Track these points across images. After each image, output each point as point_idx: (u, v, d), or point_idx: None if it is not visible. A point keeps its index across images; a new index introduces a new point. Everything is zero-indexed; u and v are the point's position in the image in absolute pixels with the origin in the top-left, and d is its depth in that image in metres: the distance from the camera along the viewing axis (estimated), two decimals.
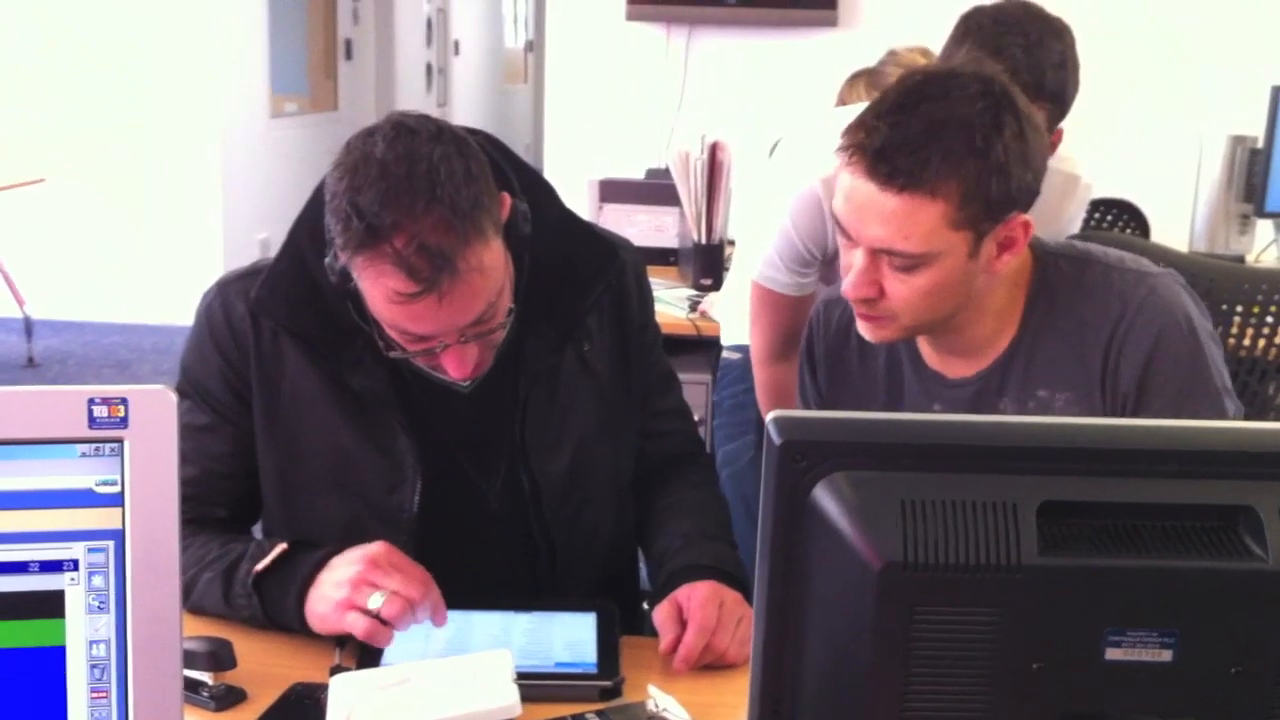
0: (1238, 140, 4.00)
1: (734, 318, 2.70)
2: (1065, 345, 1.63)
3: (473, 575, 1.63)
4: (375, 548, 1.52)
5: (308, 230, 1.62)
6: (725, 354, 2.81)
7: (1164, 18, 5.14)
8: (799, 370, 1.88)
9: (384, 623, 1.47)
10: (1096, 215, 4.01)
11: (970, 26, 2.11)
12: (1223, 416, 1.60)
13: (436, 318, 1.49)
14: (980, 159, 1.48)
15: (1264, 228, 4.11)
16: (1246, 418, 2.50)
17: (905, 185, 1.48)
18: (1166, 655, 0.88)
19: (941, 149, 1.47)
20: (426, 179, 1.44)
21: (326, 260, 1.52)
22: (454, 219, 1.44)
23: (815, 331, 1.82)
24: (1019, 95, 1.53)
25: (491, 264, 1.51)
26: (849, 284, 1.57)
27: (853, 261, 1.56)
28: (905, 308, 1.56)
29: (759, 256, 2.30)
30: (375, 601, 1.47)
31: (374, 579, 1.48)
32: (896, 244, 1.51)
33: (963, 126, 1.48)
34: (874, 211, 1.51)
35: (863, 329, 1.64)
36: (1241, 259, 3.91)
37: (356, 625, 1.47)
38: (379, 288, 1.48)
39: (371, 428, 1.65)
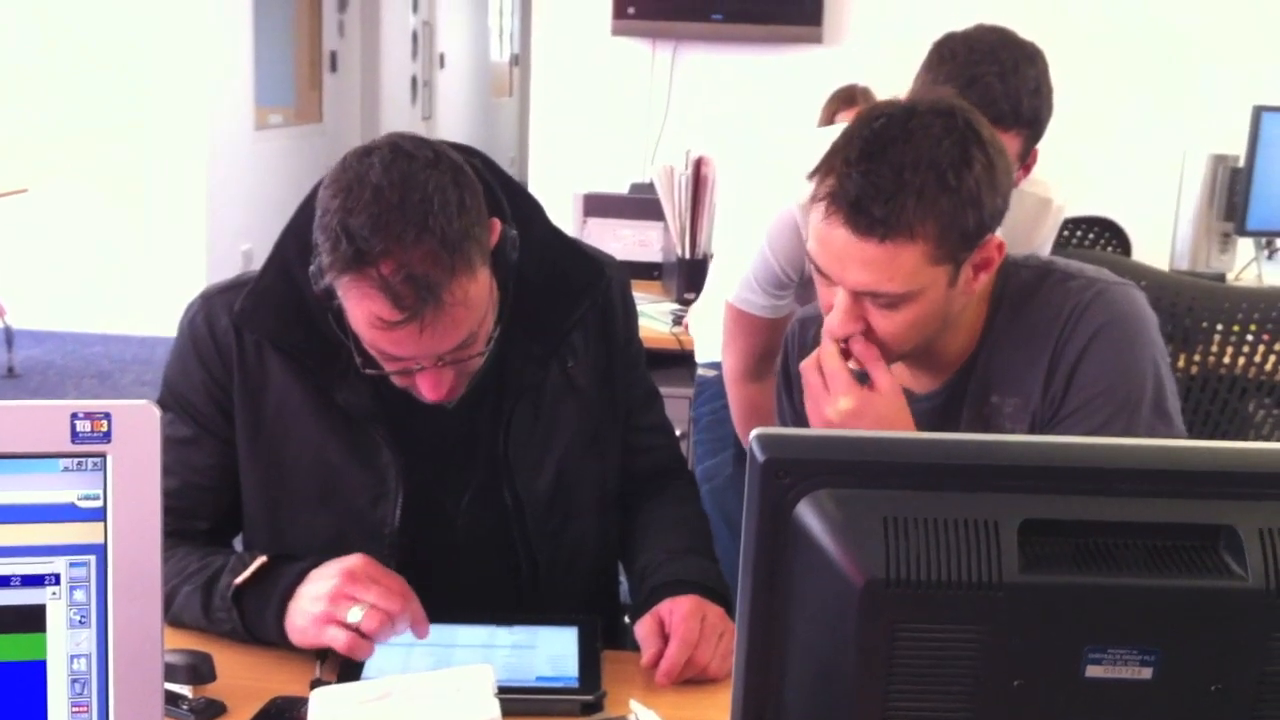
0: (1219, 159, 4.02)
1: (709, 336, 2.70)
2: (1018, 352, 1.64)
3: (455, 589, 1.63)
4: (353, 560, 1.52)
5: (294, 243, 1.62)
6: (701, 371, 2.81)
7: (1146, 38, 5.17)
8: (775, 391, 1.89)
9: (364, 636, 1.46)
10: (1079, 233, 4.03)
11: (944, 55, 2.10)
12: (1134, 432, 1.58)
13: (417, 344, 1.50)
14: (953, 196, 1.49)
15: (1245, 246, 4.14)
16: (1227, 437, 2.51)
17: (885, 234, 1.48)
18: (1147, 673, 0.89)
19: (915, 192, 1.48)
20: (419, 208, 1.44)
21: (310, 270, 1.52)
22: (443, 251, 1.44)
23: (790, 351, 1.83)
24: (981, 123, 1.54)
25: (477, 296, 1.51)
26: (835, 323, 1.57)
27: (833, 301, 1.57)
28: (893, 340, 1.57)
29: (735, 278, 2.30)
30: (354, 615, 1.47)
31: (352, 592, 1.48)
32: (881, 286, 1.52)
33: (932, 167, 1.48)
34: (855, 258, 1.52)
35: (853, 363, 1.63)
36: (1222, 277, 3.93)
37: (336, 639, 1.47)
38: (362, 309, 1.48)
39: (355, 442, 1.65)
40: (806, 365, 1.62)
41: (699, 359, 2.84)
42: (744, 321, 2.32)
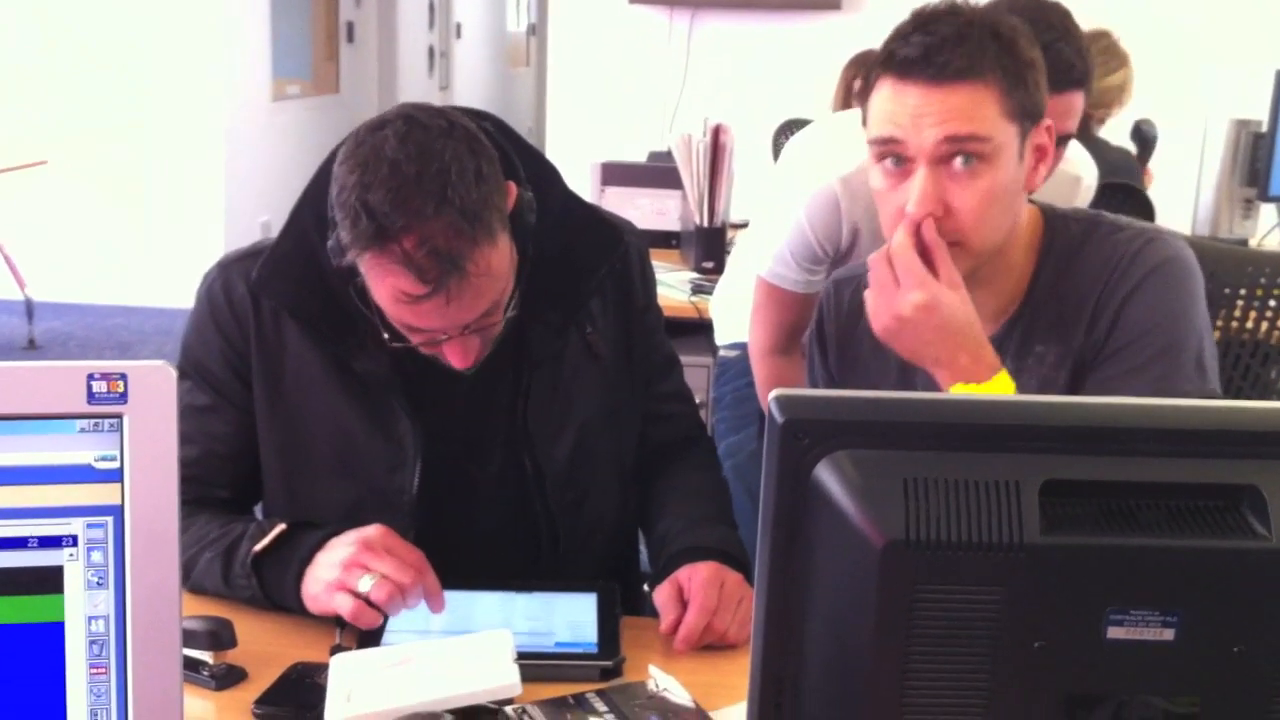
0: (1241, 124, 3.99)
1: (730, 319, 2.70)
2: (1065, 303, 1.64)
3: (474, 557, 1.64)
4: (370, 531, 1.52)
5: (310, 211, 1.62)
6: (723, 353, 2.80)
7: (1168, 2, 5.13)
8: (808, 350, 1.87)
9: (372, 606, 1.47)
10: (1102, 201, 4.00)
11: None
12: (1177, 382, 1.57)
13: (443, 316, 1.50)
14: (1009, 53, 1.55)
15: (1267, 212, 4.11)
16: (1248, 399, 2.50)
17: (959, 74, 1.52)
18: (1169, 634, 0.88)
19: (978, 43, 1.53)
20: (437, 180, 1.43)
21: (330, 245, 1.52)
22: (463, 222, 1.44)
23: (826, 312, 1.81)
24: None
25: (499, 264, 1.51)
26: (914, 203, 1.55)
27: (906, 198, 1.55)
28: (973, 220, 1.55)
29: (768, 253, 2.29)
30: (365, 584, 1.47)
31: (366, 561, 1.48)
32: (963, 128, 1.52)
33: (988, 26, 1.55)
34: (933, 109, 1.53)
35: None
36: (1245, 243, 3.90)
37: (344, 606, 1.47)
38: (386, 286, 1.48)
39: (373, 410, 1.65)
40: (876, 258, 1.59)
41: (720, 340, 2.84)
42: (775, 296, 2.32)
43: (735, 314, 2.59)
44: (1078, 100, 2.09)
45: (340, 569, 1.49)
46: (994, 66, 1.53)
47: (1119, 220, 1.68)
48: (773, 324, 2.36)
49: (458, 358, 1.56)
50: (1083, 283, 1.63)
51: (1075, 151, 2.38)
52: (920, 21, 1.57)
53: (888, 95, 1.56)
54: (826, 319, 1.81)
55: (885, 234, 1.61)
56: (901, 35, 1.57)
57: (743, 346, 2.52)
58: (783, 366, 2.35)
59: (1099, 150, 3.55)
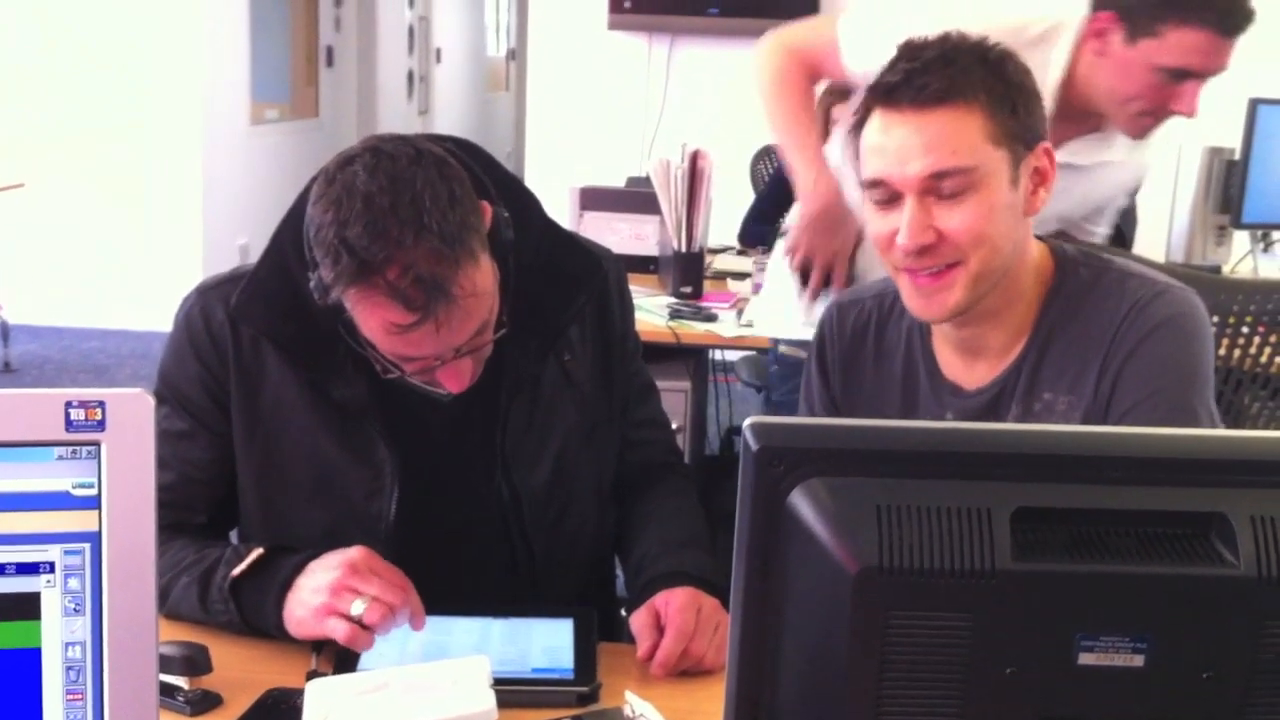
0: (1215, 151, 4.02)
1: (779, 313, 2.66)
2: (1072, 349, 1.63)
3: (451, 582, 1.63)
4: (354, 553, 1.52)
5: (289, 237, 1.62)
6: (783, 349, 2.72)
7: None
8: (805, 376, 1.87)
9: (365, 628, 1.47)
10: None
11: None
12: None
13: (435, 342, 1.50)
14: (995, 75, 1.57)
15: (1240, 239, 4.13)
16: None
17: (940, 98, 1.54)
18: (1139, 660, 0.89)
19: (961, 67, 1.55)
20: (412, 208, 1.44)
21: (313, 284, 1.51)
22: (443, 246, 1.44)
23: (828, 335, 1.81)
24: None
25: (483, 283, 1.51)
26: (905, 235, 1.56)
27: (900, 217, 1.57)
28: (968, 239, 1.56)
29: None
30: (357, 608, 1.47)
31: (354, 584, 1.48)
32: (945, 162, 1.54)
33: (975, 51, 1.57)
34: (915, 141, 1.55)
35: (927, 303, 1.62)
36: (1218, 270, 3.93)
37: (337, 630, 1.47)
38: (374, 318, 1.48)
39: (351, 436, 1.65)
40: None
41: (778, 335, 2.75)
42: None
43: (783, 308, 2.57)
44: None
45: (328, 593, 1.49)
46: (978, 89, 1.55)
47: (1129, 267, 1.67)
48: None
49: (452, 382, 1.56)
50: (1090, 330, 1.62)
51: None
52: (907, 50, 1.60)
53: (875, 129, 1.59)
54: (829, 343, 1.81)
55: (879, 253, 1.63)
56: (890, 64, 1.59)
57: (798, 343, 2.50)
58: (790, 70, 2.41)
59: None
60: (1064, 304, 1.65)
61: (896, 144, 1.56)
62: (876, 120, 1.59)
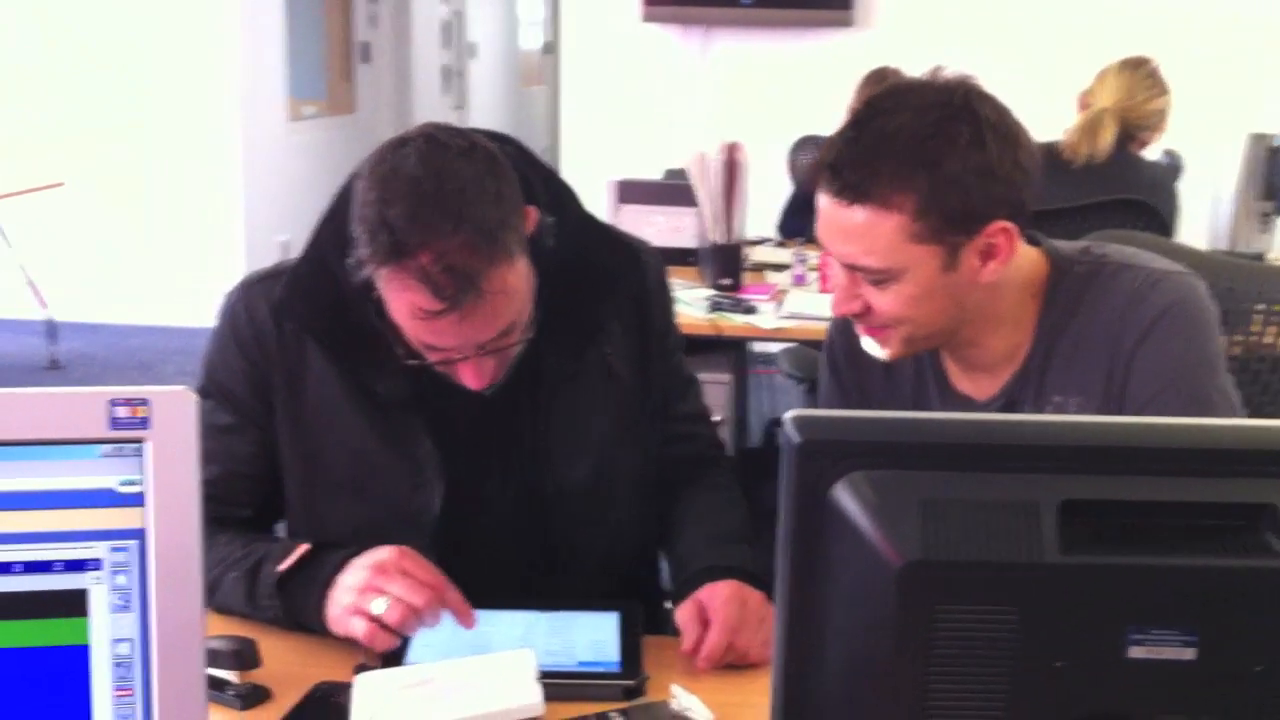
0: (1258, 138, 3.98)
1: None
2: (1078, 349, 1.60)
3: (495, 577, 1.64)
4: (383, 553, 1.52)
5: (330, 233, 1.63)
6: None
7: (1189, 18, 5.12)
8: (820, 389, 1.86)
9: (388, 629, 1.47)
10: (1118, 218, 4.00)
11: None
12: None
13: (457, 333, 1.50)
14: (930, 171, 1.46)
15: None
16: (1266, 415, 2.49)
17: (855, 199, 1.48)
18: (1189, 654, 0.88)
19: (891, 163, 1.46)
20: (456, 198, 1.44)
21: (348, 261, 1.53)
22: (480, 241, 1.45)
23: (836, 346, 1.80)
24: (985, 105, 1.50)
25: (515, 284, 1.52)
26: (834, 302, 1.58)
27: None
28: (894, 319, 1.55)
29: None
30: (378, 607, 1.47)
31: (379, 584, 1.49)
32: (860, 259, 1.51)
33: (910, 139, 1.46)
34: (837, 227, 1.52)
35: (868, 346, 1.63)
36: (1261, 257, 3.89)
37: (359, 630, 1.47)
38: (402, 300, 1.49)
39: (394, 431, 1.66)
40: None
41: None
42: None
43: None
44: None
45: (355, 593, 1.49)
46: (907, 190, 1.45)
47: (1124, 255, 1.63)
48: None
49: (472, 378, 1.57)
50: (1092, 327, 1.59)
51: None
52: (862, 114, 1.51)
53: (818, 190, 1.54)
54: (837, 353, 1.79)
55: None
56: (841, 129, 1.52)
57: None
58: None
59: (1138, 168, 3.56)
60: (1063, 304, 1.61)
61: (824, 221, 1.53)
62: (818, 187, 1.54)
